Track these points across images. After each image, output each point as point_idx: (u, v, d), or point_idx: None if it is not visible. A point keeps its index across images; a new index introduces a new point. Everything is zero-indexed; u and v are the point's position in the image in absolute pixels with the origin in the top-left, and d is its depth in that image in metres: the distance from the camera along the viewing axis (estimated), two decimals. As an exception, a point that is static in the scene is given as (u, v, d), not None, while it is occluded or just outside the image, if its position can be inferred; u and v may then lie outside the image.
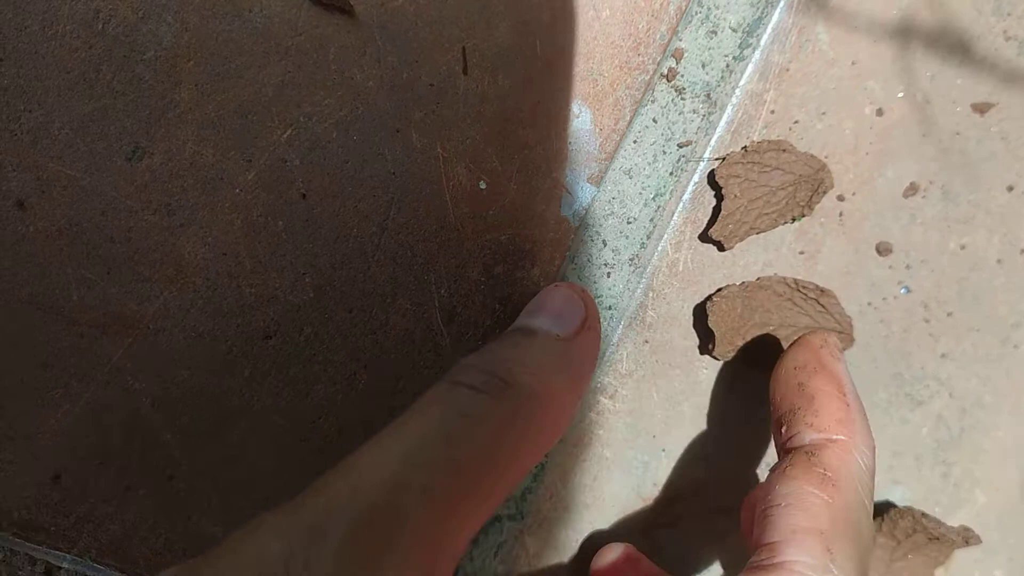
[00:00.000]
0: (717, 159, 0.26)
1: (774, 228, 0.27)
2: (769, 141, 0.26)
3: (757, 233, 0.27)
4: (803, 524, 0.21)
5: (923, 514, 0.29)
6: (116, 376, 0.25)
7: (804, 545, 0.21)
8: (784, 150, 0.26)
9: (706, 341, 0.29)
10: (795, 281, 0.28)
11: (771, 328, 0.28)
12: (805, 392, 0.24)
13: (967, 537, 0.29)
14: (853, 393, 0.24)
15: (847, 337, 0.28)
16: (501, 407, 0.19)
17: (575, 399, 0.22)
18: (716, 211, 0.27)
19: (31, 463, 0.25)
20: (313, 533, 0.17)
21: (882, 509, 0.30)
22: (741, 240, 0.27)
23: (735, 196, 0.26)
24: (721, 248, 0.27)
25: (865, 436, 0.23)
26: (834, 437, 0.23)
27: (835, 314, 0.28)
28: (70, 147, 0.23)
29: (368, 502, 0.17)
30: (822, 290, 0.28)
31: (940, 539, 0.28)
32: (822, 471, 0.22)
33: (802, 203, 0.27)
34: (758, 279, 0.28)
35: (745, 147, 0.26)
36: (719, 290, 0.28)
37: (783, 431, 0.24)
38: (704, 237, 0.27)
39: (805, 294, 0.28)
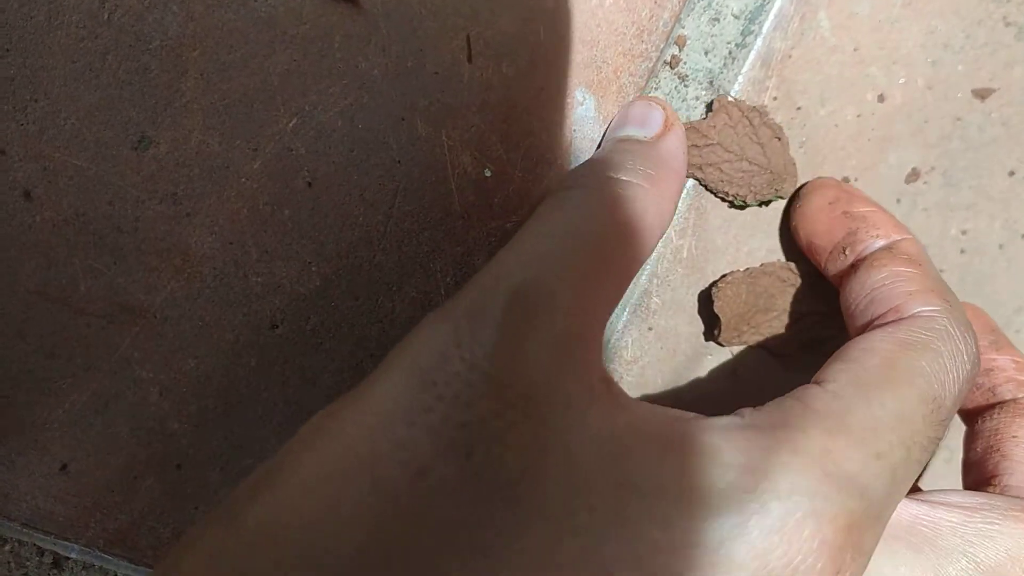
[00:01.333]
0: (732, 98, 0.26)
1: (715, 190, 0.27)
2: (773, 122, 0.26)
3: (698, 177, 0.27)
4: (915, 287, 0.23)
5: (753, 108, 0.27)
6: (123, 366, 0.25)
7: (925, 298, 0.23)
8: (778, 138, 0.26)
9: (711, 327, 0.29)
10: (798, 267, 0.28)
11: (775, 314, 0.28)
12: (855, 216, 0.26)
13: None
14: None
15: None
16: (609, 198, 0.22)
17: (674, 189, 0.24)
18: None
19: (39, 453, 0.25)
20: (472, 314, 0.19)
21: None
22: (698, 148, 0.26)
23: (715, 127, 0.26)
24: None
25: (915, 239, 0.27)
26: (899, 237, 0.26)
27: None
28: (77, 137, 0.23)
29: (515, 283, 0.20)
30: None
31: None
32: (905, 256, 0.25)
33: (752, 191, 0.27)
34: (761, 265, 0.28)
35: (757, 107, 0.26)
36: (724, 276, 0.28)
37: (846, 252, 0.26)
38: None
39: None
